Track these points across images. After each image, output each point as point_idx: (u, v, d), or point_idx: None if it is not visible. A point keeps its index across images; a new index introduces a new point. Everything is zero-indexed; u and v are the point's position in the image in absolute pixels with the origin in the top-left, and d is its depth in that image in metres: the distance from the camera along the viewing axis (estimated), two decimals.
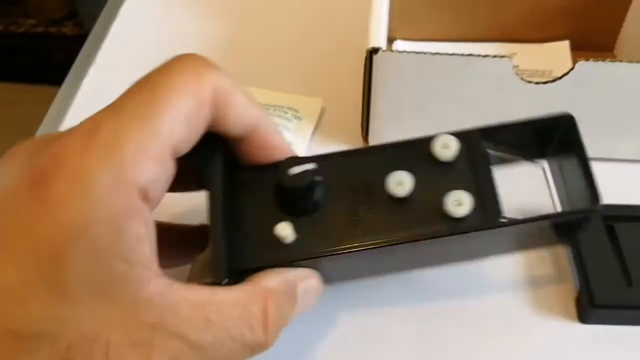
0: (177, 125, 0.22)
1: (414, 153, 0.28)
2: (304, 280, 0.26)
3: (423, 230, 0.26)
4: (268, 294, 0.24)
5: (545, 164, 0.32)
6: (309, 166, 0.26)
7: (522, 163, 0.32)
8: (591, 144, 0.39)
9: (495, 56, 0.35)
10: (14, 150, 0.22)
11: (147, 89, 0.23)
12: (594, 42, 0.46)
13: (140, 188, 0.21)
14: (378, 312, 0.33)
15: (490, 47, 0.46)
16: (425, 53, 0.36)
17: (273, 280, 0.25)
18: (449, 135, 0.28)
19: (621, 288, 0.31)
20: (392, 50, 0.36)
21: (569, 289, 0.34)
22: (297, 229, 0.26)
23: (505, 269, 0.35)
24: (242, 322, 0.23)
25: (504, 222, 0.26)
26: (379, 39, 0.37)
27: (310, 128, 0.43)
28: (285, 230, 0.26)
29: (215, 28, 0.50)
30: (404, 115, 0.38)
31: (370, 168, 0.27)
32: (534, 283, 0.34)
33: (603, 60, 0.35)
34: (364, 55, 0.37)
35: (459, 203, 0.26)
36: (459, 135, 0.28)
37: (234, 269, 0.25)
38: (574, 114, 0.38)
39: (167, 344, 0.21)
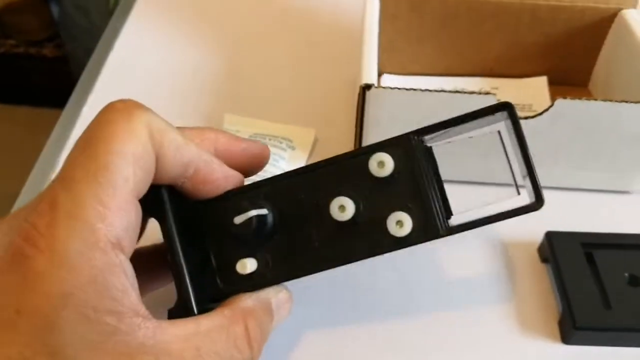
0: (128, 170, 0.23)
1: (355, 170, 0.28)
2: (276, 294, 0.29)
3: (370, 249, 0.27)
4: (246, 314, 0.26)
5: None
6: (253, 212, 0.27)
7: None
8: (569, 175, 0.42)
9: (480, 93, 0.38)
10: None
11: (87, 147, 0.23)
12: (570, 78, 0.49)
13: (113, 242, 0.23)
14: (358, 327, 0.35)
15: (473, 81, 0.49)
16: (415, 90, 0.38)
17: (248, 300, 0.27)
18: (382, 153, 0.27)
19: (601, 311, 0.34)
20: (384, 87, 0.38)
21: (552, 311, 0.36)
22: (258, 257, 0.28)
23: (491, 291, 0.37)
24: (229, 344, 0.25)
25: (448, 231, 0.27)
26: (370, 75, 0.39)
27: (303, 157, 0.45)
28: (246, 266, 0.28)
29: (214, 59, 0.52)
30: None
31: (315, 189, 0.28)
32: (519, 305, 0.36)
33: (580, 98, 0.38)
34: (354, 88, 0.39)
35: (400, 225, 0.27)
36: (392, 143, 0.28)
37: (204, 307, 0.27)
38: (553, 146, 0.41)
39: None
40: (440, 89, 0.38)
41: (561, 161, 0.42)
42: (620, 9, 0.45)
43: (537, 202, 0.27)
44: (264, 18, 0.57)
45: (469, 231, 0.38)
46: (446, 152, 0.29)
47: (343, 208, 0.27)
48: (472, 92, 0.38)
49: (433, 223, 0.27)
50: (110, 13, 1.38)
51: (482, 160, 0.41)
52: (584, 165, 0.42)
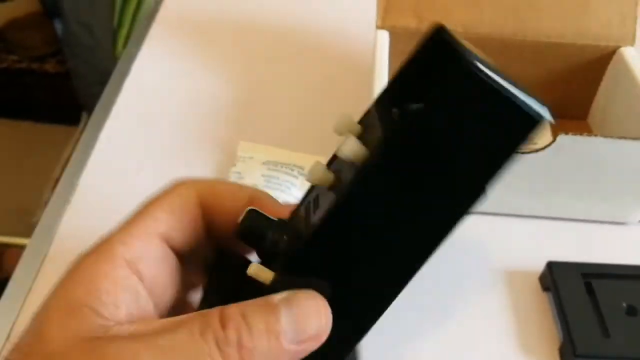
0: (162, 214, 0.26)
1: None
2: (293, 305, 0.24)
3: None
4: (227, 319, 0.22)
5: None
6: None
7: None
8: (569, 206, 0.44)
9: None
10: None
11: (141, 207, 0.27)
12: (570, 110, 0.51)
13: (128, 260, 0.24)
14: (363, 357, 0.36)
15: None
16: None
17: (250, 303, 0.24)
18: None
19: (600, 340, 0.35)
20: None
21: (553, 338, 0.38)
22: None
23: (494, 318, 0.39)
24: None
25: None
26: None
27: None
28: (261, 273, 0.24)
29: (229, 87, 0.54)
30: None
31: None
32: (520, 332, 0.38)
33: (581, 134, 0.40)
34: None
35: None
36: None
37: None
38: (554, 180, 0.43)
39: None
40: None
41: (562, 193, 0.44)
42: (618, 47, 0.47)
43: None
44: (279, 50, 0.59)
45: (472, 259, 0.40)
46: None
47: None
48: None
49: None
50: (114, 34, 1.39)
51: None
52: (585, 197, 0.43)
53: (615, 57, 0.48)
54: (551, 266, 0.39)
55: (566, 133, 0.40)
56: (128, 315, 0.24)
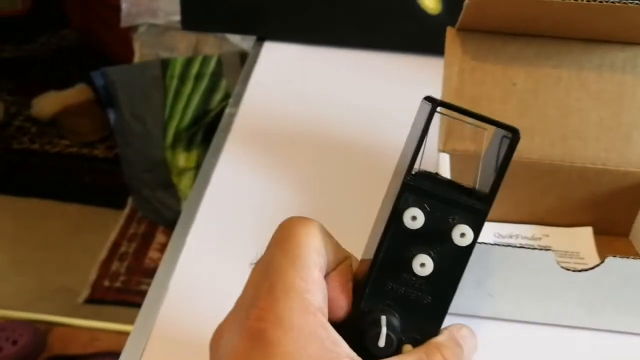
0: (314, 257, 0.30)
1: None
2: (458, 330, 0.33)
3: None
4: (440, 346, 0.31)
5: None
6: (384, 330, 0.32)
7: None
8: (616, 320, 0.48)
9: (541, 249, 0.44)
10: (220, 329, 0.31)
11: (282, 243, 0.31)
12: (613, 228, 0.56)
13: (317, 307, 0.29)
14: None
15: (526, 228, 0.56)
16: (479, 243, 0.44)
17: (439, 337, 0.32)
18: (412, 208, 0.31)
19: None
20: None
21: None
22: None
23: None
24: None
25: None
26: None
27: None
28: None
29: (301, 198, 0.59)
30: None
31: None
32: None
33: (627, 257, 0.44)
34: None
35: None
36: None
37: None
38: (602, 295, 0.47)
39: None
40: (506, 244, 0.45)
41: (609, 308, 0.47)
42: None
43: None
44: (354, 165, 0.64)
45: None
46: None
47: (423, 265, 0.31)
48: (533, 248, 0.44)
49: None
50: (164, 125, 1.48)
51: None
52: (631, 312, 0.47)
53: None
54: None
55: (614, 256, 0.44)
56: None
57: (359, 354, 0.31)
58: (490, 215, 0.58)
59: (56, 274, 1.49)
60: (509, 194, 0.55)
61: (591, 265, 0.45)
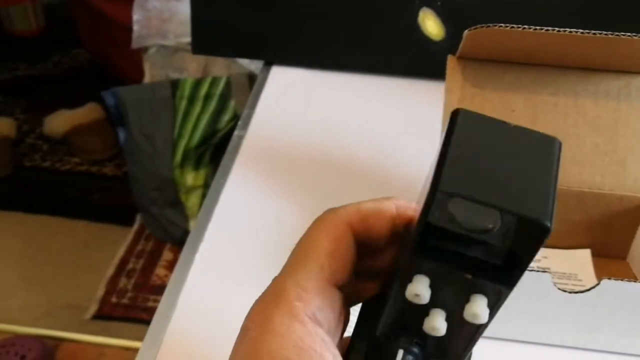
0: (323, 261, 0.29)
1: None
2: None
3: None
4: None
5: None
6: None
7: None
8: (612, 341, 0.49)
9: (539, 270, 0.46)
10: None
11: (296, 247, 0.30)
12: (610, 250, 0.57)
13: (310, 317, 0.27)
14: None
15: None
16: None
17: None
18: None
19: None
20: None
21: None
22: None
23: None
24: None
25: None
26: None
27: None
28: None
29: (302, 221, 0.60)
30: None
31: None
32: None
33: (622, 279, 0.46)
34: None
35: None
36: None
37: None
38: (599, 317, 0.48)
39: None
40: None
41: (605, 329, 0.49)
42: None
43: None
44: (354, 184, 0.66)
45: None
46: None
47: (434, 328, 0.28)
48: (531, 270, 0.46)
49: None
50: (173, 144, 1.50)
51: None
52: (626, 333, 0.48)
53: None
54: None
55: (609, 278, 0.46)
56: None
57: None
58: None
59: (64, 290, 1.50)
60: None
61: (587, 287, 0.47)
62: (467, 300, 0.26)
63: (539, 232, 0.25)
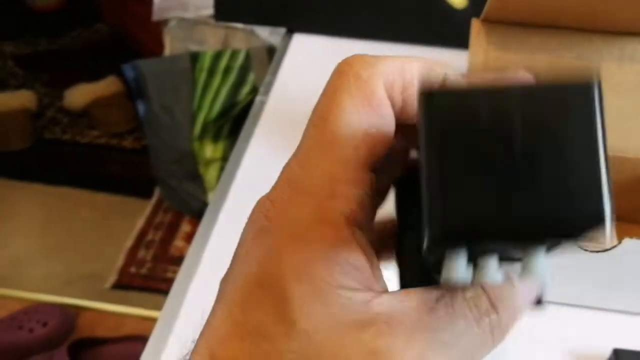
0: (357, 141, 0.22)
1: None
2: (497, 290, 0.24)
3: None
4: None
5: None
6: None
7: None
8: (634, 299, 0.49)
9: None
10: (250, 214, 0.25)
11: (319, 121, 0.23)
12: (635, 216, 0.57)
13: (347, 217, 0.21)
14: None
15: None
16: None
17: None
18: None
19: None
20: None
21: None
22: None
23: None
24: (472, 304, 0.22)
25: None
26: None
27: None
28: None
29: None
30: None
31: None
32: None
33: None
34: None
35: None
36: None
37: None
38: (619, 276, 0.48)
39: (405, 354, 0.21)
40: None
41: (627, 288, 0.49)
42: None
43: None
44: None
45: (543, 345, 0.45)
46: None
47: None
48: None
49: None
50: (192, 117, 1.51)
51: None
52: None
53: None
54: (618, 353, 0.45)
55: (631, 237, 0.46)
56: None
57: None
58: None
59: (84, 260, 1.53)
60: None
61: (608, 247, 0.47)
62: None
63: (596, 225, 0.19)
